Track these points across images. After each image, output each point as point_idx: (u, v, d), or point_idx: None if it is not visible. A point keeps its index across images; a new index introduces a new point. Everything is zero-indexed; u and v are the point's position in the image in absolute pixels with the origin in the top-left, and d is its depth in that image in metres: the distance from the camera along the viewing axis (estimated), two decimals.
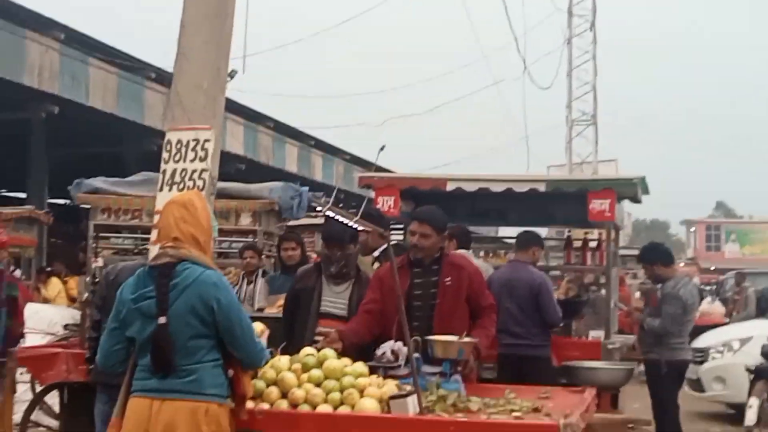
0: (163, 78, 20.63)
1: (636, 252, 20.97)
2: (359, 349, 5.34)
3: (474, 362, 5.63)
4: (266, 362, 4.63)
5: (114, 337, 4.43)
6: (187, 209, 4.44)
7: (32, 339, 8.56)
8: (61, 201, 28.69)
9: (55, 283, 15.96)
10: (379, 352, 5.27)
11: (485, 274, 6.39)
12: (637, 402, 10.80)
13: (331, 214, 4.84)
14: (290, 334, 5.81)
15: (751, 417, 6.88)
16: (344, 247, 5.85)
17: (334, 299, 5.84)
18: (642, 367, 10.39)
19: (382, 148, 5.71)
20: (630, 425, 7.90)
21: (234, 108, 23.53)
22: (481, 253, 12.84)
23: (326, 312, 5.82)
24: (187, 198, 4.56)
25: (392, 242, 5.74)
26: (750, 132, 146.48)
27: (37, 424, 7.72)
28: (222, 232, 11.01)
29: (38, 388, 7.73)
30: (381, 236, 6.54)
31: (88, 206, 11.07)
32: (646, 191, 8.68)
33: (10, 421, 7.78)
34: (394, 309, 5.56)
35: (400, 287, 5.53)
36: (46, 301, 14.61)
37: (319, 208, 5.04)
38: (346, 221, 4.99)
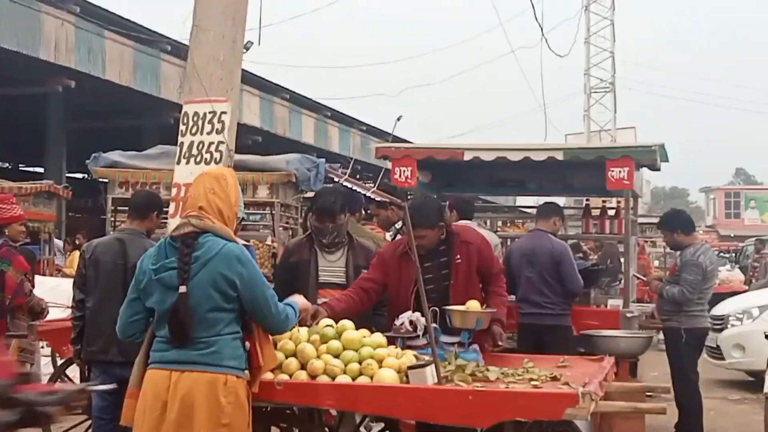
0: (179, 50, 20.62)
1: (655, 220, 20.95)
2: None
3: (500, 333, 5.65)
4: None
5: (133, 308, 4.44)
6: (218, 182, 4.46)
7: (53, 313, 8.60)
8: (79, 175, 28.87)
9: (77, 256, 16.02)
10: (397, 322, 5.28)
11: (491, 242, 6.37)
12: (655, 370, 10.81)
13: (348, 184, 4.83)
14: None
15: None
16: (335, 218, 5.84)
17: (331, 268, 5.86)
18: (660, 336, 10.39)
19: (398, 119, 5.73)
20: (648, 393, 7.91)
21: (250, 80, 23.50)
22: (499, 223, 12.83)
23: (325, 282, 5.83)
24: (220, 172, 4.60)
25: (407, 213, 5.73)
26: None
27: None
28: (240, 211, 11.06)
29: (59, 361, 7.78)
30: (398, 207, 6.53)
31: (105, 180, 11.10)
32: (665, 158, 8.61)
33: None
34: (397, 289, 5.61)
35: (410, 273, 5.47)
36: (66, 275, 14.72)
37: (336, 179, 5.02)
38: (362, 191, 4.98)
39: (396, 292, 5.61)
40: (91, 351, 6.03)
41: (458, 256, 5.70)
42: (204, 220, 4.35)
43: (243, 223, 11.38)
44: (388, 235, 8.03)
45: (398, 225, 7.96)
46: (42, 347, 8.54)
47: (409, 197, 8.54)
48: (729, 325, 11.90)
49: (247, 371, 4.42)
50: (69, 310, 8.66)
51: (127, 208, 7.12)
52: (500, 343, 5.66)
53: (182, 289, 4.24)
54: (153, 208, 6.36)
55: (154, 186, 10.31)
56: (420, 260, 5.60)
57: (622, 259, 10.28)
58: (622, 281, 8.62)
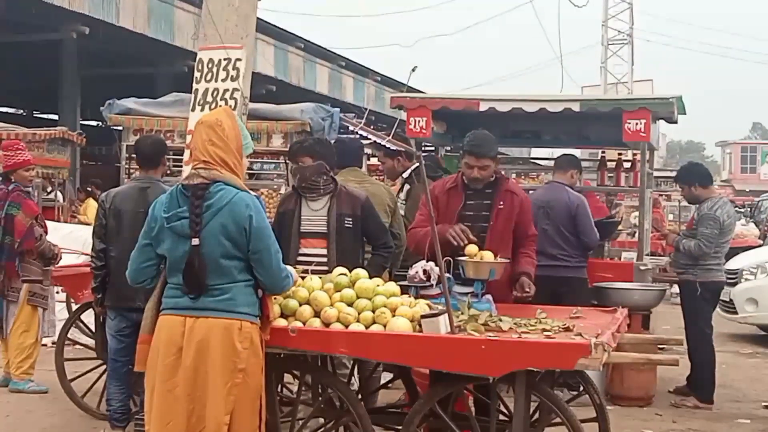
0: None
1: (671, 174, 20.86)
2: None
3: (528, 282, 5.71)
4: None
5: (145, 254, 4.44)
6: (214, 130, 4.39)
7: (68, 259, 8.66)
8: (93, 123, 28.86)
9: (92, 204, 16.08)
10: (411, 272, 5.29)
11: None
12: (667, 324, 10.84)
13: (363, 132, 4.80)
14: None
15: None
16: (296, 159, 5.79)
17: (313, 217, 5.81)
18: (673, 289, 10.39)
19: (413, 69, 5.68)
20: (661, 345, 7.94)
21: (264, 28, 23.35)
22: (513, 175, 12.77)
23: (307, 231, 5.80)
24: (214, 119, 4.48)
25: (425, 162, 5.72)
26: None
27: (74, 342, 7.87)
28: (254, 153, 11.03)
29: (74, 307, 7.84)
30: (415, 156, 6.50)
31: (120, 128, 11.08)
32: (682, 111, 8.53)
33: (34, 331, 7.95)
34: (442, 221, 5.65)
35: (453, 207, 5.66)
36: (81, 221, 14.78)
37: (351, 127, 4.99)
38: (377, 140, 4.95)
39: (439, 223, 5.58)
40: (119, 298, 6.04)
41: (501, 203, 5.76)
42: (212, 171, 4.33)
43: (257, 172, 11.43)
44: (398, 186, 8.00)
45: (405, 174, 7.93)
46: (57, 292, 8.60)
47: (423, 149, 8.51)
48: (743, 280, 11.89)
49: (259, 318, 4.44)
50: (83, 257, 8.76)
51: None
52: (527, 290, 5.67)
53: (195, 241, 4.25)
54: (161, 153, 6.34)
55: (167, 133, 10.30)
56: (464, 198, 5.80)
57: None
58: (637, 234, 8.61)
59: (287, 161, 5.88)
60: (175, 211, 4.32)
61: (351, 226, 5.80)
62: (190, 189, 4.32)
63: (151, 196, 5.93)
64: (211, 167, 4.34)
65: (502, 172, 6.20)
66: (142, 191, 6.09)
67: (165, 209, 4.36)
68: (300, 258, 5.64)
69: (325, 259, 5.67)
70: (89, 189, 18.17)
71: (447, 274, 4.95)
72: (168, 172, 10.04)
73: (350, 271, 5.04)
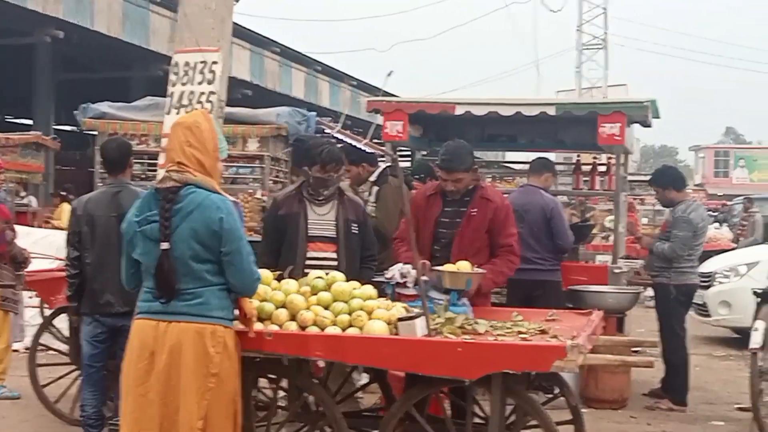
0: (168, 2, 20.43)
1: (645, 178, 20.97)
2: None
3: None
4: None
5: (128, 261, 4.43)
6: (192, 132, 4.38)
7: (41, 264, 8.60)
8: (68, 128, 28.69)
9: (66, 208, 15.98)
10: (388, 274, 5.29)
11: None
12: (642, 327, 10.89)
13: (340, 136, 4.80)
14: (275, 259, 5.77)
15: (756, 339, 6.89)
16: (340, 168, 5.83)
17: (321, 221, 5.82)
18: (647, 292, 10.45)
19: (389, 74, 5.69)
20: (635, 348, 7.97)
21: (240, 33, 23.32)
22: (489, 178, 12.81)
23: (315, 235, 5.80)
24: (192, 120, 4.48)
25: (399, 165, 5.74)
26: (761, 57, 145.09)
27: (47, 348, 7.80)
28: (229, 157, 10.96)
29: (47, 312, 7.78)
30: (375, 164, 6.58)
31: (94, 132, 10.99)
32: (656, 115, 8.60)
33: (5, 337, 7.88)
34: (421, 226, 5.80)
35: (432, 214, 5.81)
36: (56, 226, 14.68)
37: (328, 131, 4.98)
38: (354, 143, 4.96)
39: (419, 230, 5.74)
40: (95, 304, 5.99)
41: (474, 210, 5.79)
42: (184, 173, 4.31)
43: (233, 176, 11.39)
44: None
45: (373, 178, 7.94)
46: (30, 297, 8.54)
47: (398, 152, 8.52)
48: (716, 283, 11.96)
49: (236, 321, 4.43)
50: (57, 262, 8.69)
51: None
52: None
53: (164, 245, 4.23)
54: (127, 155, 6.29)
55: (142, 137, 10.24)
56: (442, 204, 5.91)
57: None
58: (611, 237, 8.65)
59: (312, 163, 5.80)
60: (145, 214, 4.31)
61: (357, 231, 5.86)
62: (161, 192, 4.31)
63: (123, 199, 5.89)
64: (184, 169, 4.32)
65: (481, 180, 6.23)
66: (114, 196, 6.04)
67: (136, 213, 4.34)
68: (309, 261, 5.66)
69: (335, 263, 5.70)
70: (63, 193, 18.07)
71: (424, 277, 4.95)
72: (143, 176, 10.03)
73: (357, 276, 5.06)
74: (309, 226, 5.80)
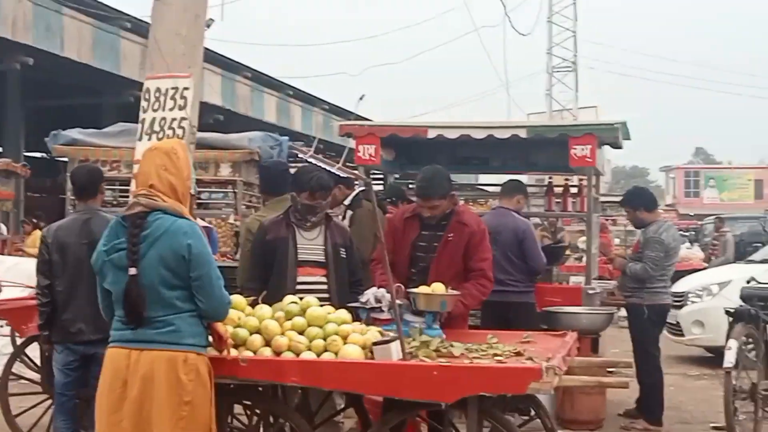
0: (139, 28, 20.38)
1: (616, 199, 21.07)
2: None
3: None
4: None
5: (103, 292, 4.41)
6: (169, 158, 4.37)
7: (12, 292, 8.51)
8: (38, 155, 28.50)
9: (37, 235, 15.83)
10: (362, 298, 5.28)
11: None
12: (616, 347, 10.92)
13: (313, 161, 4.80)
14: (264, 285, 5.76)
15: (729, 359, 6.93)
16: (328, 195, 5.85)
17: (310, 246, 5.82)
18: (621, 312, 10.48)
19: (361, 98, 5.71)
20: (610, 369, 7.99)
21: (212, 58, 23.30)
22: (461, 201, 12.82)
23: (305, 260, 5.80)
24: (170, 146, 4.49)
25: (372, 189, 5.76)
26: (730, 78, 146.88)
27: (19, 377, 7.71)
28: (201, 182, 10.93)
29: (19, 341, 7.69)
30: (352, 186, 6.57)
31: (65, 159, 10.94)
32: (627, 136, 8.67)
33: None
34: (398, 249, 5.84)
35: (409, 237, 5.78)
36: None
37: (300, 155, 4.97)
38: (327, 168, 4.96)
39: (396, 252, 5.81)
40: (67, 332, 5.94)
41: (451, 235, 5.80)
42: (154, 198, 4.29)
43: (205, 201, 11.35)
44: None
45: (347, 202, 7.94)
46: (1, 326, 8.44)
47: (371, 175, 8.52)
48: (689, 302, 12.04)
49: (209, 348, 4.40)
50: (28, 290, 8.61)
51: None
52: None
53: (132, 271, 4.20)
54: (98, 181, 6.27)
55: (114, 164, 10.21)
56: (419, 228, 5.93)
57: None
58: (584, 258, 8.69)
59: (313, 191, 5.78)
60: (113, 243, 4.28)
61: (345, 256, 5.86)
62: (128, 219, 4.28)
63: (94, 226, 5.85)
64: (153, 194, 4.30)
65: (460, 203, 6.25)
66: (84, 223, 6.00)
67: (105, 242, 4.32)
68: (299, 286, 5.63)
69: (325, 287, 5.70)
70: (34, 221, 17.92)
71: (398, 301, 4.94)
72: (114, 202, 9.97)
73: (347, 299, 5.06)
74: (298, 251, 5.79)
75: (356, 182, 8.00)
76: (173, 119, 5.95)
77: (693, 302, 12.03)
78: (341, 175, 5.25)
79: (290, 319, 4.79)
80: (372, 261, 6.23)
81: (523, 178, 9.77)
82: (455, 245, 5.83)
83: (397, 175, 10.14)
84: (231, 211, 11.00)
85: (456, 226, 5.88)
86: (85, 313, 5.74)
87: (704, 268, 17.09)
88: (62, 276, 5.94)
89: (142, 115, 6.06)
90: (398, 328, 4.58)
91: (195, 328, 4.31)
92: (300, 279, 5.73)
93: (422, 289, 5.41)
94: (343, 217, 7.83)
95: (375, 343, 4.56)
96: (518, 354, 4.70)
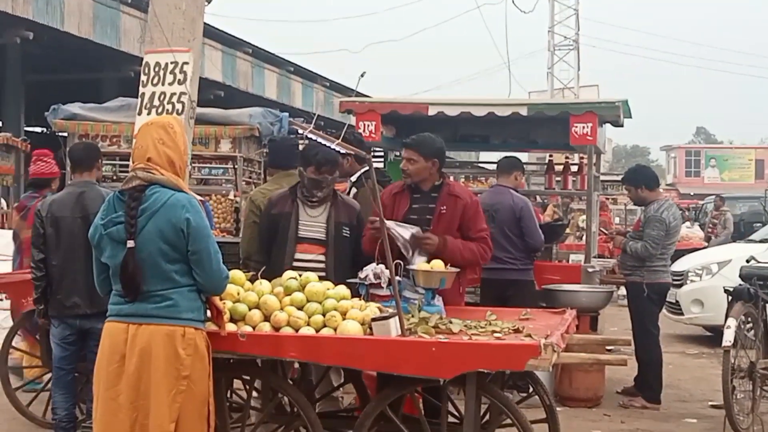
0: (139, 2, 20.28)
1: (617, 178, 21.10)
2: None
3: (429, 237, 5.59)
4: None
5: (98, 267, 4.40)
6: (166, 131, 4.36)
7: (7, 266, 8.51)
8: (38, 129, 28.45)
9: None
10: (362, 274, 5.27)
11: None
12: (615, 325, 10.96)
13: (313, 136, 4.78)
14: (267, 258, 5.77)
15: (728, 337, 6.93)
16: (335, 169, 5.82)
17: (312, 223, 5.81)
18: (620, 291, 10.51)
19: (362, 75, 5.63)
20: (609, 347, 8.01)
21: (212, 34, 23.22)
22: (462, 179, 12.83)
23: (304, 237, 5.79)
24: (166, 121, 4.48)
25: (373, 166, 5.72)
26: (732, 58, 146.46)
27: (18, 350, 7.73)
28: (201, 158, 10.93)
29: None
30: (363, 159, 6.52)
31: (65, 134, 10.91)
32: (628, 114, 8.65)
33: None
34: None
35: (399, 211, 5.67)
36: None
37: (300, 131, 4.93)
38: (328, 144, 4.93)
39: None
40: (63, 306, 5.95)
41: (444, 207, 5.74)
42: (151, 172, 4.28)
43: (205, 177, 11.36)
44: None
45: (354, 178, 7.92)
46: (1, 300, 8.45)
47: (372, 151, 8.50)
48: (688, 281, 12.05)
49: (207, 322, 4.41)
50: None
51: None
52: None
53: (130, 243, 4.19)
54: (94, 157, 6.29)
55: (114, 138, 10.20)
56: (409, 201, 5.81)
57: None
58: (584, 237, 8.69)
59: (319, 166, 5.73)
60: (110, 217, 4.28)
61: (348, 235, 5.82)
62: (126, 193, 4.28)
63: (88, 200, 5.85)
64: (150, 168, 4.28)
65: (450, 177, 6.21)
66: (78, 197, 5.99)
67: (102, 217, 4.31)
68: (296, 263, 5.61)
69: (322, 265, 5.67)
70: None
71: (397, 277, 4.94)
72: (114, 177, 9.96)
73: (345, 280, 5.05)
74: (299, 227, 5.78)
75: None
76: (173, 94, 5.94)
77: (692, 281, 12.04)
78: (341, 151, 5.19)
79: (289, 295, 4.79)
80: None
81: (524, 156, 9.77)
82: (450, 218, 5.75)
83: (397, 153, 10.11)
84: (231, 187, 11.00)
85: (448, 198, 5.78)
86: (80, 287, 5.75)
87: (704, 247, 17.11)
88: (56, 250, 5.94)
89: (141, 90, 6.05)
90: (397, 304, 4.58)
91: (193, 303, 4.30)
92: (297, 256, 5.72)
93: (421, 265, 5.39)
94: (348, 193, 7.80)
95: (374, 319, 4.56)
96: (517, 331, 4.70)
